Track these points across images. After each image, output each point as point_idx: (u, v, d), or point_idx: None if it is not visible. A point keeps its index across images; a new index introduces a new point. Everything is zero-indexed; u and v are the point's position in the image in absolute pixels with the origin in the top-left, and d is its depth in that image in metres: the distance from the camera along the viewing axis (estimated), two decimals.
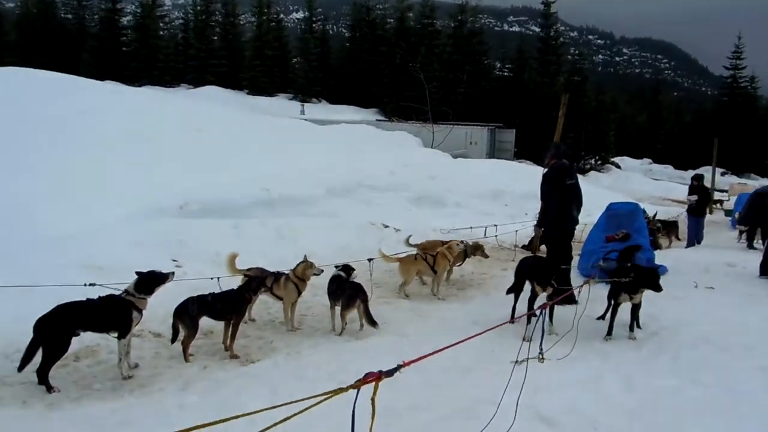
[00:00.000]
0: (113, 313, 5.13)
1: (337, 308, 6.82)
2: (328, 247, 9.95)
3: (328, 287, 6.92)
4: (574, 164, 8.50)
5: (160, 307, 6.12)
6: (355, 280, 7.10)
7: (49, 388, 4.79)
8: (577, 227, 8.83)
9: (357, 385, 2.72)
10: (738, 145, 54.40)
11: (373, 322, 6.67)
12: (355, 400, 2.73)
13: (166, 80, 47.39)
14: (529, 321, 6.52)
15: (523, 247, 13.09)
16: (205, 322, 5.99)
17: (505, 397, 4.22)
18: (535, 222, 8.79)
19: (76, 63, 45.20)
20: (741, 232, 16.26)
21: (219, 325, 6.15)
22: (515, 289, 7.40)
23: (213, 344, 6.17)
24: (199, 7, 55.09)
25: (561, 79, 46.36)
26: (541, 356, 4.84)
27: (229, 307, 5.97)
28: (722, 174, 46.63)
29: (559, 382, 5.09)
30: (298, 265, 6.97)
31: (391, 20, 53.36)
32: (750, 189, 33.00)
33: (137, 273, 5.36)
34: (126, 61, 48.14)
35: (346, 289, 6.76)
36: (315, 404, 2.60)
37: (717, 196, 26.94)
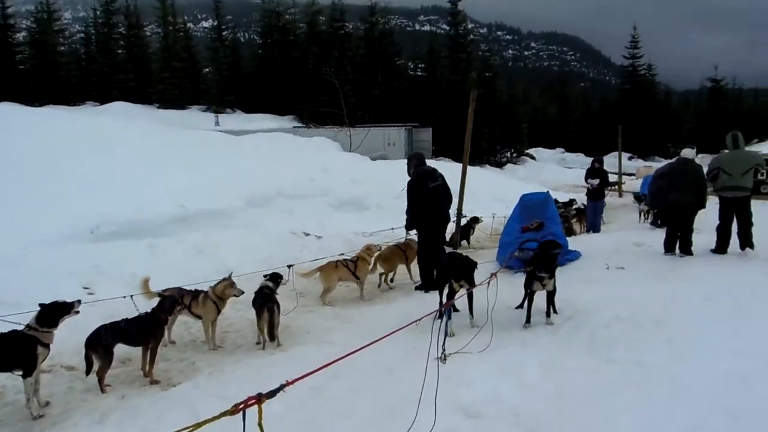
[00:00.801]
0: (15, 351, 4.83)
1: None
2: (250, 259, 9.78)
3: (254, 299, 6.76)
4: (436, 169, 9.40)
5: (71, 338, 5.84)
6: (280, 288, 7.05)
7: None
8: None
9: (236, 410, 2.58)
10: (642, 130, 57.38)
11: (272, 336, 6.56)
12: (243, 426, 2.64)
13: (69, 98, 45.10)
14: (449, 316, 6.62)
15: (445, 243, 13.28)
16: (121, 349, 5.75)
17: (429, 394, 4.24)
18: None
19: None
20: (641, 212, 17.14)
21: (137, 351, 5.92)
22: (439, 285, 7.50)
23: (131, 371, 5.93)
24: (100, 20, 52.53)
25: (473, 76, 47.43)
26: (443, 356, 4.88)
27: (144, 331, 5.74)
28: (629, 158, 48.91)
29: (482, 373, 5.18)
30: (218, 282, 6.80)
31: (302, 25, 52.85)
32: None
33: (39, 305, 5.08)
34: (23, 79, 45.52)
35: (256, 300, 6.65)
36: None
37: (616, 179, 28.13)
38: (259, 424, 2.67)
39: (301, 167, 18.88)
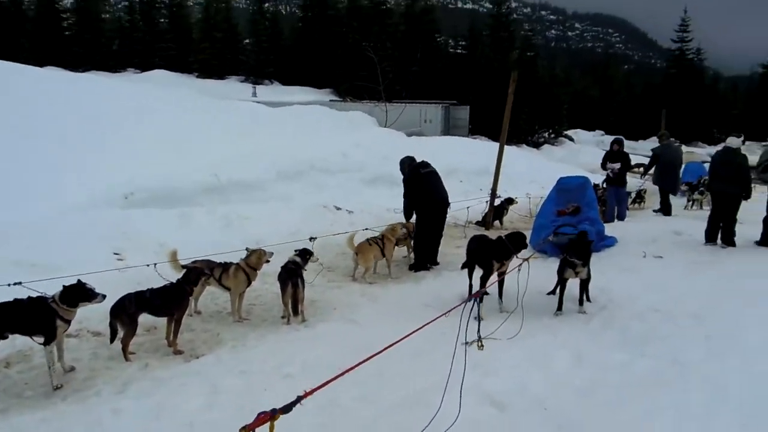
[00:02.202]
0: (37, 318, 4.84)
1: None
2: (277, 232, 9.70)
3: (279, 274, 6.69)
4: (425, 161, 9.76)
5: (102, 304, 5.84)
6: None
7: None
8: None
9: (247, 429, 2.37)
10: (686, 115, 55.86)
11: (296, 311, 6.50)
12: None
13: (111, 65, 45.74)
14: (481, 300, 6.47)
15: (477, 223, 13.08)
16: (147, 317, 5.75)
17: (455, 382, 4.11)
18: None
19: (15, 49, 43.26)
20: (691, 201, 16.57)
21: (163, 320, 5.90)
22: (469, 266, 7.35)
23: (156, 340, 5.92)
24: None
25: (514, 54, 46.53)
26: (480, 343, 4.72)
27: (169, 302, 5.71)
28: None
29: (509, 362, 5.04)
30: (250, 253, 6.75)
31: (344, 0, 52.51)
32: (697, 157, 33.74)
33: (63, 286, 5.03)
34: (68, 45, 46.27)
35: (282, 274, 6.58)
36: None
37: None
38: None
39: (336, 141, 18.72)
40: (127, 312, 5.44)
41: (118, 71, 45.41)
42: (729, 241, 10.02)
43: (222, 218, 9.93)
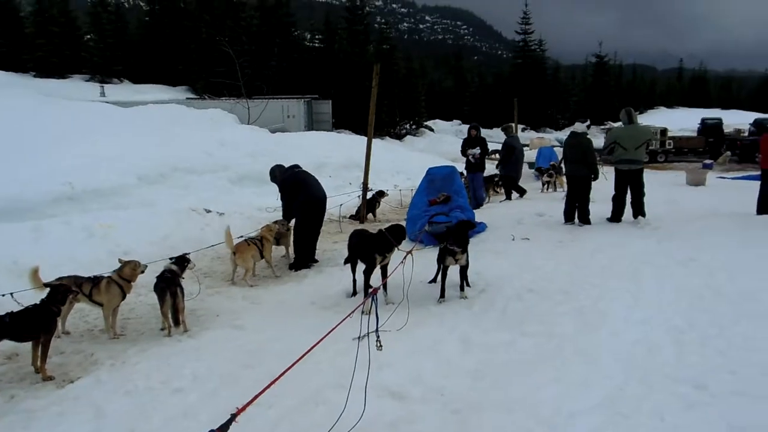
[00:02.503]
0: None
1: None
2: (147, 240, 9.25)
3: (156, 284, 6.32)
4: (295, 164, 9.91)
5: None
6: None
7: None
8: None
9: None
10: (533, 103, 59.82)
11: (177, 321, 6.21)
12: None
13: None
14: (366, 293, 6.54)
15: (351, 217, 13.19)
16: (6, 344, 5.22)
17: (350, 378, 4.10)
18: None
19: None
20: (545, 183, 17.73)
21: (25, 346, 5.39)
22: (351, 261, 7.38)
23: (20, 368, 5.37)
24: None
25: (371, 49, 47.24)
26: (378, 344, 4.79)
27: (33, 325, 5.21)
28: (522, 130, 50.79)
29: (402, 352, 5.12)
30: (123, 265, 6.32)
31: None
32: (547, 142, 36.29)
33: None
34: None
35: (158, 284, 6.26)
36: None
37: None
38: None
39: (197, 141, 18.02)
40: None
41: None
42: (585, 219, 10.89)
43: (82, 229, 9.19)
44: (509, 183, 15.54)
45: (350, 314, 4.59)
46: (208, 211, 11.55)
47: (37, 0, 47.58)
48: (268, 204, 12.52)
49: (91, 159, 13.77)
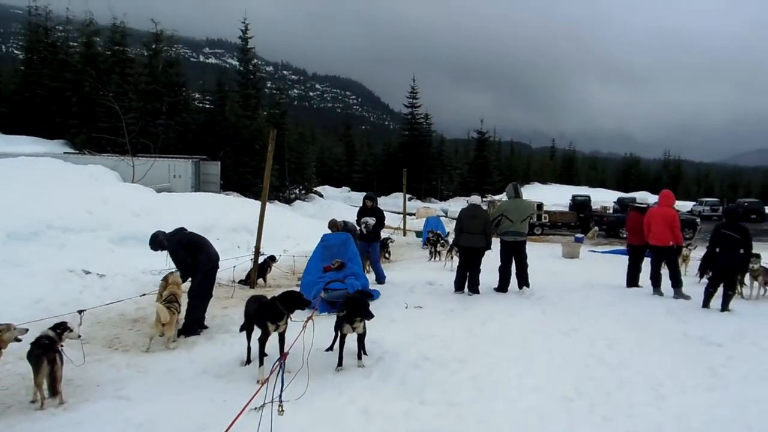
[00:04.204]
0: None
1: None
2: (19, 303, 8.47)
3: (30, 351, 5.76)
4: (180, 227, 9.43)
5: None
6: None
7: None
8: None
9: None
10: (419, 174, 62.16)
11: (54, 392, 5.73)
12: None
13: None
14: (261, 362, 6.35)
15: (241, 282, 12.86)
16: None
17: None
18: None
19: None
20: (432, 252, 18.23)
21: None
22: (247, 328, 7.14)
23: None
24: None
25: (262, 113, 47.36)
26: (280, 408, 4.61)
27: None
28: (409, 199, 52.32)
29: (304, 424, 4.98)
30: None
31: (76, 44, 48.52)
32: (433, 212, 37.56)
33: None
34: None
35: (33, 351, 5.74)
36: None
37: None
38: None
39: (75, 197, 17.05)
40: None
41: None
42: (475, 289, 11.28)
43: None
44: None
45: (266, 381, 4.40)
46: (87, 273, 10.85)
47: None
48: (153, 266, 11.94)
49: None
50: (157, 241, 9.06)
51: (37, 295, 9.06)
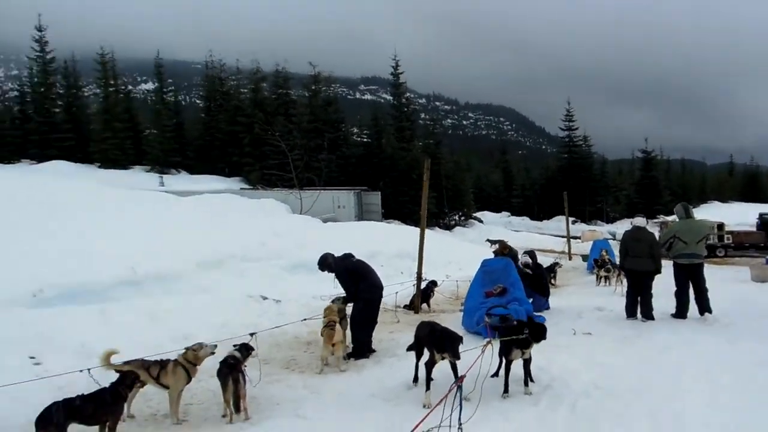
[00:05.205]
0: None
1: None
2: (206, 325, 9.26)
3: (219, 370, 6.30)
4: (347, 252, 9.77)
5: (19, 415, 5.27)
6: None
7: None
8: None
9: None
10: (581, 196, 59.89)
11: (238, 408, 6.14)
12: None
13: (3, 156, 43.45)
14: (428, 387, 6.36)
15: (405, 307, 13.06)
16: (74, 428, 5.21)
17: None
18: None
19: None
20: (599, 277, 17.36)
21: (91, 429, 5.37)
22: (416, 350, 7.17)
23: None
24: (36, 79, 51.27)
25: (417, 144, 48.53)
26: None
27: (102, 408, 5.24)
28: (573, 222, 50.50)
29: None
30: (188, 349, 6.35)
31: (245, 90, 53.19)
32: (599, 235, 35.69)
33: None
34: None
35: (222, 370, 6.24)
36: None
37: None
38: None
39: (252, 229, 18.47)
40: (55, 423, 4.92)
41: (12, 162, 43.13)
42: (648, 315, 10.53)
43: (145, 312, 9.34)
44: None
45: (433, 408, 4.41)
46: (265, 298, 11.62)
47: (103, 98, 50.89)
48: (323, 292, 12.52)
49: (152, 244, 14.16)
50: (326, 263, 9.51)
51: (222, 319, 9.86)
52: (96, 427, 5.30)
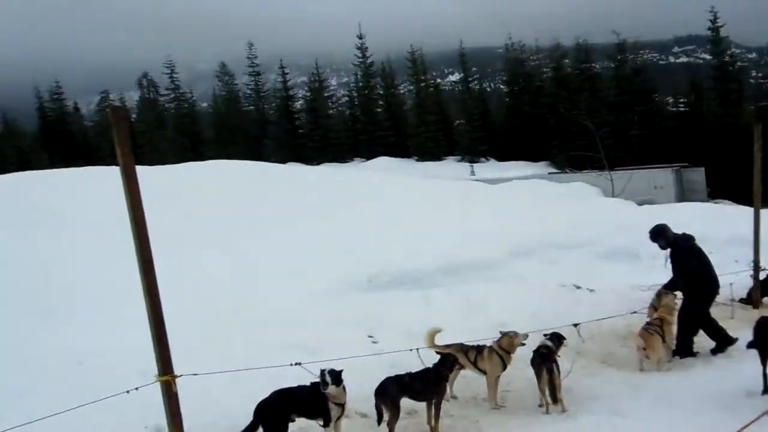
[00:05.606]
0: (318, 402, 5.22)
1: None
2: (518, 314, 9.41)
3: (532, 359, 6.44)
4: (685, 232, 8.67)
5: (361, 386, 6.07)
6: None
7: None
8: None
9: None
10: None
11: (555, 399, 6.12)
12: None
13: (339, 156, 49.96)
14: None
15: (741, 300, 11.55)
16: (406, 402, 5.83)
17: None
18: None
19: (260, 149, 49.28)
20: None
21: (420, 405, 5.96)
22: (759, 350, 6.27)
23: (417, 424, 6.00)
24: (360, 83, 57.77)
25: (748, 107, 42.35)
26: None
27: (427, 387, 5.82)
28: None
29: None
30: (502, 336, 6.64)
31: (547, 69, 52.30)
32: None
33: (321, 370, 5.33)
34: (303, 142, 51.72)
35: (535, 359, 6.31)
36: None
37: None
38: None
39: (562, 215, 18.25)
40: (390, 395, 5.60)
41: (346, 161, 49.37)
42: None
43: (462, 299, 9.96)
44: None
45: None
46: (578, 288, 11.40)
47: (416, 93, 55.08)
48: (641, 282, 11.79)
49: (465, 233, 14.95)
50: (664, 234, 8.64)
51: (534, 307, 9.94)
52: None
